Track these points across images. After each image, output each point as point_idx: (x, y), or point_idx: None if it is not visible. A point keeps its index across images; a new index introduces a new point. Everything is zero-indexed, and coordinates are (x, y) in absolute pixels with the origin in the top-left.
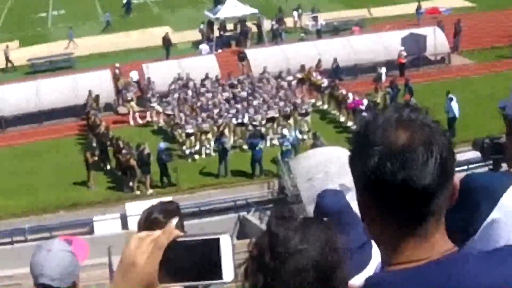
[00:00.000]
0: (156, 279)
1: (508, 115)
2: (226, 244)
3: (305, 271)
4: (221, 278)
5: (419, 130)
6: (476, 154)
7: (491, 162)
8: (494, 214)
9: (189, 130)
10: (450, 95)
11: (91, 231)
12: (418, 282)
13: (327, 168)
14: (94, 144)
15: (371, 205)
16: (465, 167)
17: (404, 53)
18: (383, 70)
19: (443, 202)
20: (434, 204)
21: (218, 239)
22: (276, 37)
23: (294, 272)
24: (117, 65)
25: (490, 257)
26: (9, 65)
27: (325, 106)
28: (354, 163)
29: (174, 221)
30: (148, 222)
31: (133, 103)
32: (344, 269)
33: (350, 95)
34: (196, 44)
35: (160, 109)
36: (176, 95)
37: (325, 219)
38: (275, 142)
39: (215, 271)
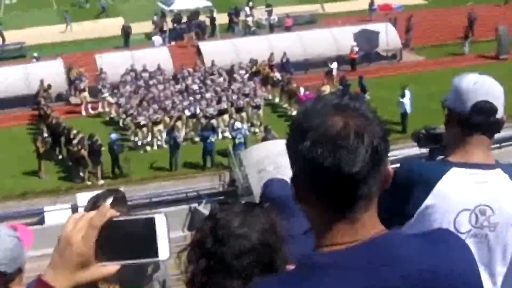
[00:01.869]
0: (93, 258)
1: (447, 106)
2: (161, 223)
3: (246, 254)
4: (157, 256)
5: (353, 117)
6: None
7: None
8: (429, 200)
9: (141, 121)
10: (405, 90)
11: (41, 221)
12: (346, 263)
13: (277, 161)
14: (45, 134)
15: (303, 188)
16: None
17: (356, 49)
18: (334, 65)
19: (374, 188)
20: (364, 190)
21: (153, 218)
22: (233, 30)
23: (235, 255)
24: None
25: (419, 238)
26: None
27: (277, 100)
28: (289, 146)
29: (109, 201)
30: (95, 209)
31: (85, 94)
32: (284, 253)
33: (302, 89)
34: (149, 35)
35: (112, 100)
36: (128, 87)
37: (266, 205)
38: (227, 134)
39: (151, 250)
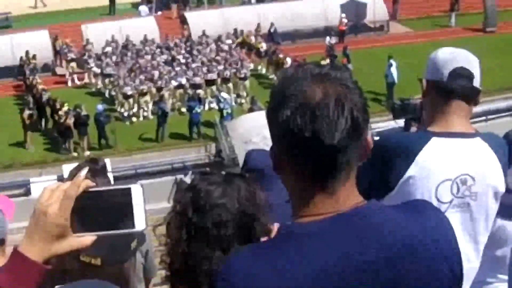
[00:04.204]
0: (68, 229)
1: (425, 77)
2: (137, 194)
3: (226, 224)
4: (133, 227)
5: (333, 87)
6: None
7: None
8: (410, 172)
9: (127, 91)
10: (391, 61)
11: (27, 193)
12: (323, 233)
13: (263, 132)
14: (31, 105)
15: (282, 158)
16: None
17: (345, 20)
18: (333, 40)
19: (353, 159)
20: (343, 160)
21: (129, 189)
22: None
23: (215, 225)
24: None
25: (397, 210)
26: None
27: (264, 71)
28: (269, 115)
29: (84, 171)
30: None
31: (73, 64)
32: (264, 223)
33: (289, 60)
34: (135, 5)
35: (98, 70)
36: (114, 57)
37: (247, 174)
38: (214, 105)
39: (127, 220)
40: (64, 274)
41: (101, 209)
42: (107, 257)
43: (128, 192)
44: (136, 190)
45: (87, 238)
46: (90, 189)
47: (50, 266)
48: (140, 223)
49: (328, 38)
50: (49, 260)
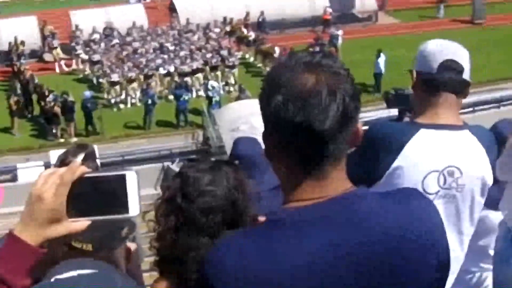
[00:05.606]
0: (64, 214)
1: (414, 69)
2: (132, 180)
3: (214, 211)
4: (127, 212)
5: (325, 75)
6: None
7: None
8: (397, 162)
9: (114, 78)
10: (381, 52)
11: (14, 179)
12: (310, 218)
13: (251, 120)
14: (19, 91)
15: (273, 144)
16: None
17: (329, 10)
18: (339, 32)
19: (343, 146)
20: (332, 148)
21: (124, 175)
22: None
23: (203, 212)
24: None
25: (386, 197)
26: None
27: (252, 59)
28: (262, 101)
29: (80, 157)
30: (64, 166)
31: (58, 50)
32: (251, 210)
33: (277, 49)
34: None
35: (86, 57)
36: (102, 44)
37: (235, 162)
38: (201, 93)
39: (122, 206)
40: (54, 259)
41: (95, 195)
42: (98, 243)
43: (123, 178)
44: (131, 176)
45: (82, 223)
46: (86, 175)
47: (45, 250)
48: (134, 209)
49: (334, 29)
50: (42, 244)
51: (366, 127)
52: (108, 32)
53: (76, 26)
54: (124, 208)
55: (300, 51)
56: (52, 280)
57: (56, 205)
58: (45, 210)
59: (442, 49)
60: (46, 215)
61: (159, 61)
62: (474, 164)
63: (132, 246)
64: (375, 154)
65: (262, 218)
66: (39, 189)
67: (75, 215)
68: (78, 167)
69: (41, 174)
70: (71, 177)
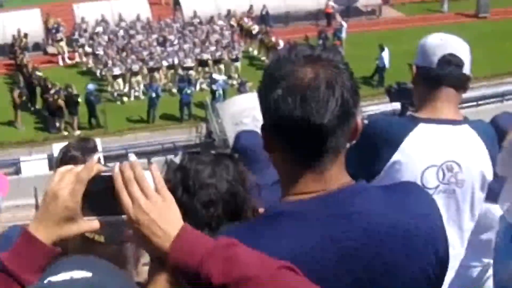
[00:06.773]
0: (79, 212)
1: (415, 64)
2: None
3: (215, 204)
4: None
5: (325, 69)
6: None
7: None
8: (396, 157)
9: (116, 72)
10: (385, 47)
11: (18, 172)
12: (308, 212)
13: (254, 114)
14: (22, 84)
15: (272, 138)
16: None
17: (332, 3)
18: (344, 25)
19: (342, 140)
20: (332, 142)
21: None
22: None
23: (204, 205)
24: None
25: (385, 191)
26: None
27: (255, 52)
28: (261, 95)
29: (96, 156)
30: (66, 159)
31: (62, 43)
32: (252, 203)
33: (281, 42)
34: None
35: (90, 50)
36: (106, 36)
37: (236, 155)
38: (205, 86)
39: None
40: (64, 250)
41: (111, 193)
42: (110, 237)
43: None
44: (145, 175)
45: (96, 222)
46: (102, 174)
47: (60, 249)
48: None
49: (339, 19)
50: (56, 242)
51: (366, 121)
52: (111, 25)
53: (82, 19)
54: None
55: (300, 44)
56: (46, 282)
57: (72, 204)
58: (60, 208)
59: (442, 43)
60: (61, 213)
61: (163, 54)
62: (474, 158)
63: None
64: (374, 148)
65: (262, 211)
66: (54, 187)
67: (90, 213)
68: (94, 165)
69: (57, 171)
70: (87, 175)
